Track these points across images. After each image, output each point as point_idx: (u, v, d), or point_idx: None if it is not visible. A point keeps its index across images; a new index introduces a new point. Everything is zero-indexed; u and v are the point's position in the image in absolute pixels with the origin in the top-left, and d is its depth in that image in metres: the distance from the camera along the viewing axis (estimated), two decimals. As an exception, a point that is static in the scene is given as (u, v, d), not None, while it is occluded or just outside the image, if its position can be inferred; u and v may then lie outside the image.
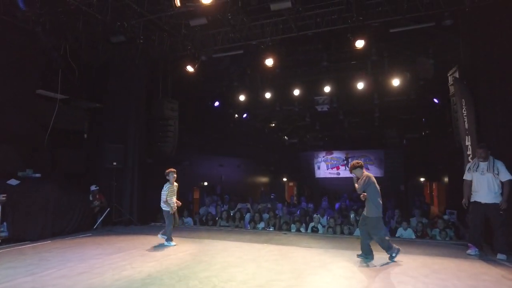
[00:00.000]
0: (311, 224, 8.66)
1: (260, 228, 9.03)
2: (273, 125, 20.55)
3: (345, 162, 21.11)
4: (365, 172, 5.35)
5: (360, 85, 10.47)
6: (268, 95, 11.76)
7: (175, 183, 6.70)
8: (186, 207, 12.69)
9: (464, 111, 6.02)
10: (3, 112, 7.49)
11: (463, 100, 6.06)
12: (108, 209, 8.61)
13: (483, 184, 5.40)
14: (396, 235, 7.66)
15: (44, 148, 8.31)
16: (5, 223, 6.65)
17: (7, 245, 6.40)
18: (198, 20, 6.30)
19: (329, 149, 21.62)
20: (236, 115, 16.92)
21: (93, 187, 8.84)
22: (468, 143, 5.97)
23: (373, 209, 5.10)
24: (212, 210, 10.93)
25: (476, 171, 5.49)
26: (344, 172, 21.01)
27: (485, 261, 5.18)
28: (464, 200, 5.70)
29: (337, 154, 21.37)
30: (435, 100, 13.34)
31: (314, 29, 6.87)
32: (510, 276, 4.48)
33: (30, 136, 8.20)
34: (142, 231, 8.16)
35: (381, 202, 5.15)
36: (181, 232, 8.12)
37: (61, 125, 8.81)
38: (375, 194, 5.14)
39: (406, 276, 4.48)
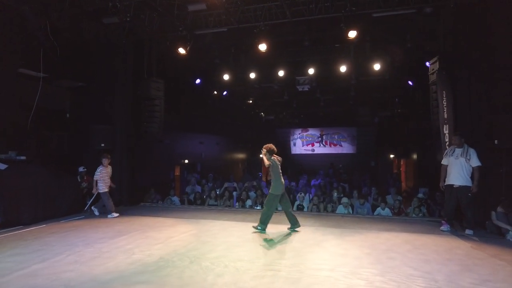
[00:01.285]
0: (297, 202, 9.19)
1: (247, 206, 9.47)
2: (251, 101, 20.73)
3: (320, 139, 21.89)
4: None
5: (343, 68, 10.82)
6: (252, 75, 11.83)
7: (109, 166, 7.95)
8: (169, 185, 12.91)
9: (444, 102, 6.58)
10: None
11: (444, 91, 6.61)
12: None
13: (456, 167, 6.06)
14: (375, 213, 8.35)
15: (27, 129, 8.08)
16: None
17: (2, 230, 6.38)
18: (197, 6, 6.24)
19: (304, 126, 22.20)
20: (215, 92, 16.93)
21: (81, 169, 8.80)
22: (446, 131, 6.58)
23: (273, 187, 6.22)
24: (198, 189, 11.18)
25: (452, 156, 6.14)
26: (319, 149, 21.85)
27: (457, 236, 5.94)
28: (441, 183, 6.36)
29: (313, 131, 22.06)
30: (410, 82, 14.06)
31: (307, 16, 7.03)
32: (477, 248, 5.23)
33: (11, 116, 7.93)
34: (134, 212, 8.33)
35: (282, 182, 6.27)
36: (173, 212, 8.39)
37: (43, 105, 8.55)
38: (276, 175, 6.20)
39: (393, 252, 5.07)
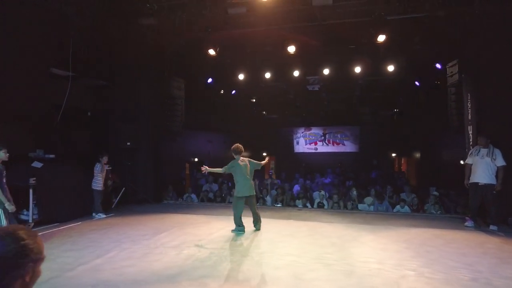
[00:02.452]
0: (317, 200, 9.47)
1: (268, 204, 9.71)
2: (254, 100, 20.94)
3: (323, 137, 22.19)
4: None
5: (357, 69, 11.11)
6: (267, 74, 12.04)
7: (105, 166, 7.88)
8: (181, 183, 13.08)
9: (469, 103, 6.92)
10: (15, 91, 7.24)
11: (468, 94, 6.94)
12: (124, 188, 8.77)
13: (481, 166, 6.40)
14: (394, 210, 8.68)
15: (55, 128, 8.17)
16: (35, 206, 6.67)
17: (42, 227, 6.49)
18: (237, 9, 6.42)
19: (307, 125, 22.47)
20: (222, 91, 17.13)
21: (106, 167, 8.90)
22: (470, 132, 6.92)
23: (236, 190, 6.22)
24: (215, 187, 11.37)
25: (477, 155, 6.47)
26: (321, 147, 22.16)
27: (482, 232, 6.28)
28: (465, 181, 6.69)
29: (315, 130, 22.33)
30: (416, 83, 14.45)
31: (336, 19, 7.28)
32: (507, 243, 5.56)
33: (40, 115, 8.00)
34: (161, 209, 8.49)
35: (239, 184, 6.14)
36: (198, 209, 8.58)
37: (67, 104, 8.63)
38: (236, 178, 6.17)
39: (428, 246, 5.37)
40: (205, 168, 6.31)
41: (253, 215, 6.33)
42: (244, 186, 6.10)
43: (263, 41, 10.48)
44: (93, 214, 7.59)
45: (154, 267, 4.52)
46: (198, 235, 6.04)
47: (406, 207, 8.68)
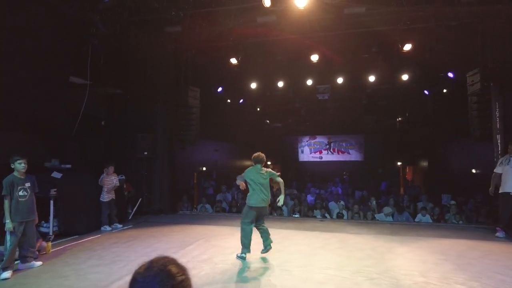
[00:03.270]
0: (336, 211, 9.32)
1: (285, 214, 9.53)
2: (258, 109, 20.90)
3: (328, 146, 22.15)
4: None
5: (372, 78, 11.11)
6: (280, 83, 11.99)
7: (114, 176, 7.59)
8: (190, 192, 12.86)
9: (497, 113, 6.87)
10: (32, 99, 7.07)
11: (496, 103, 6.91)
12: (140, 199, 8.56)
13: (512, 176, 6.32)
14: (416, 220, 8.56)
15: (70, 137, 7.98)
16: (56, 218, 6.45)
17: (62, 240, 6.27)
18: (266, 18, 6.35)
19: (312, 133, 22.43)
20: (229, 100, 17.07)
21: (120, 177, 8.70)
22: (499, 141, 6.86)
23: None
24: (228, 196, 11.18)
25: (508, 164, 6.40)
26: (327, 156, 22.10)
27: (515, 242, 6.17)
28: (491, 188, 6.60)
29: (320, 139, 22.29)
30: (426, 92, 14.49)
31: (360, 28, 7.25)
32: (545, 255, 5.45)
33: (56, 124, 7.83)
34: (179, 220, 8.28)
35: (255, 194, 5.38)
36: (217, 220, 8.37)
37: (82, 112, 8.47)
38: (252, 186, 5.40)
39: (466, 258, 5.23)
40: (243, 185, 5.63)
41: (262, 228, 5.54)
42: (259, 196, 5.41)
43: (277, 50, 10.45)
44: (101, 228, 7.23)
45: (194, 283, 4.32)
46: (227, 248, 5.85)
47: (428, 216, 8.56)
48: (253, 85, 12.36)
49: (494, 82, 7.11)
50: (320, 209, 9.40)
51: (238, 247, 5.88)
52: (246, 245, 5.20)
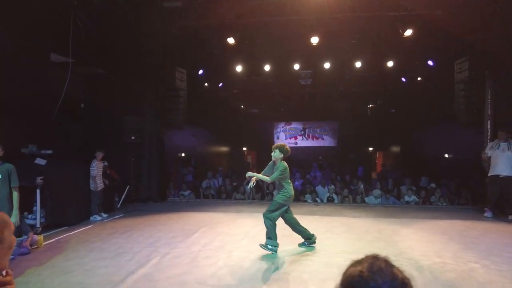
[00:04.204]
0: (326, 195, 9.42)
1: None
2: (234, 94, 20.53)
3: (303, 132, 22.37)
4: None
5: (358, 64, 11.20)
6: (267, 67, 11.75)
7: (102, 162, 7.16)
8: (169, 179, 12.43)
9: (489, 99, 7.18)
10: (8, 78, 6.32)
11: (489, 89, 7.20)
12: (128, 186, 8.08)
13: (502, 159, 6.68)
14: (405, 201, 8.88)
15: (50, 121, 7.28)
16: (42, 209, 5.88)
17: (52, 232, 5.75)
18: None
19: (287, 120, 22.52)
20: (206, 84, 16.56)
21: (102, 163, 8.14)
22: (489, 126, 7.20)
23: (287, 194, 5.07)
24: (215, 183, 10.92)
25: (497, 149, 6.74)
26: (302, 142, 22.34)
27: (504, 222, 6.56)
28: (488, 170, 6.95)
29: (295, 125, 22.45)
30: (403, 79, 14.93)
31: (360, 13, 7.19)
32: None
33: (33, 107, 7.08)
34: (171, 208, 7.94)
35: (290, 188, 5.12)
36: (211, 206, 8.15)
37: (60, 93, 7.75)
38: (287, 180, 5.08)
39: (469, 237, 5.48)
40: (251, 176, 5.05)
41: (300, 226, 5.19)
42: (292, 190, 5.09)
43: (266, 32, 10.15)
44: (90, 217, 6.79)
45: (216, 272, 4.12)
46: (235, 234, 5.68)
47: (414, 196, 8.93)
48: (239, 68, 11.97)
49: (483, 71, 7.39)
50: (311, 193, 9.45)
51: (246, 234, 5.77)
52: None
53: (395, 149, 20.24)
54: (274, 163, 5.01)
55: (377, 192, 9.06)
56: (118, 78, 8.46)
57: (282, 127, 22.59)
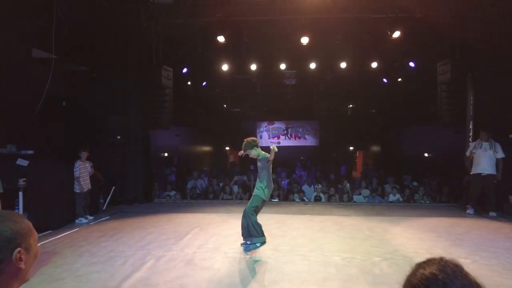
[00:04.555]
0: (314, 194, 9.49)
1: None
2: (217, 93, 20.36)
3: (285, 132, 22.48)
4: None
5: (343, 65, 11.34)
6: (253, 66, 11.70)
7: (88, 162, 6.91)
8: (159, 181, 12.17)
9: (472, 100, 7.44)
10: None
11: (471, 91, 7.46)
12: (113, 187, 7.83)
13: (484, 158, 6.94)
14: (390, 200, 9.08)
15: (33, 120, 6.95)
16: (25, 212, 5.59)
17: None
18: None
19: (270, 119, 22.58)
20: (189, 82, 16.34)
21: (87, 164, 7.85)
22: (471, 127, 7.46)
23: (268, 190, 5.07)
24: (201, 183, 10.78)
25: (480, 149, 7.00)
26: (284, 141, 22.42)
27: (486, 218, 6.82)
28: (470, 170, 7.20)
29: (278, 124, 22.52)
30: (384, 80, 15.27)
31: (352, 14, 7.27)
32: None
33: (14, 104, 6.73)
34: (158, 209, 7.77)
35: (271, 184, 5.13)
36: (199, 207, 8.02)
37: (43, 92, 7.41)
38: (269, 175, 5.07)
39: (455, 234, 5.66)
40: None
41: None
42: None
43: (254, 32, 10.12)
44: (76, 220, 6.52)
45: (214, 275, 4.06)
46: (229, 235, 5.61)
47: (398, 195, 9.15)
48: (225, 67, 11.86)
49: (464, 73, 7.66)
50: (298, 192, 9.50)
51: (239, 234, 5.65)
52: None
53: (375, 148, 20.71)
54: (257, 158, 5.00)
55: (366, 192, 9.23)
56: (102, 75, 8.18)
57: (265, 126, 22.61)
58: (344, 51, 11.66)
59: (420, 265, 1.05)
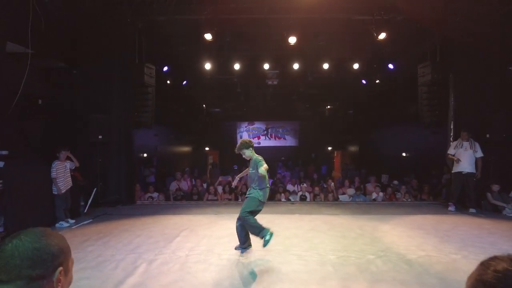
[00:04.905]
0: (300, 193, 9.52)
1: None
2: (195, 93, 20.08)
3: (265, 132, 22.52)
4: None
5: (325, 66, 11.47)
6: (237, 66, 11.61)
7: (68, 162, 6.63)
8: (139, 182, 11.81)
9: (452, 101, 7.71)
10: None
11: (453, 93, 7.73)
12: (95, 189, 7.50)
13: (465, 157, 7.21)
14: (373, 198, 9.26)
15: (8, 118, 6.52)
16: (1, 217, 5.23)
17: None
18: None
19: (250, 119, 22.55)
20: (168, 81, 16.03)
21: (67, 164, 7.48)
22: (452, 127, 7.74)
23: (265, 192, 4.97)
24: (184, 184, 10.55)
25: (461, 148, 7.27)
26: (264, 142, 22.47)
27: (467, 215, 7.08)
28: (452, 170, 7.45)
29: (258, 125, 22.53)
30: (363, 82, 15.60)
31: (337, 14, 7.34)
32: (495, 223, 6.34)
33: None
34: (142, 211, 7.52)
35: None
36: (184, 208, 7.84)
37: (16, 88, 6.99)
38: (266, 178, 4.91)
39: (442, 231, 5.81)
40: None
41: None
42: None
43: (238, 31, 10.02)
44: (56, 224, 6.18)
45: (211, 278, 3.94)
46: (220, 237, 5.50)
47: (381, 194, 9.36)
48: (208, 66, 11.69)
49: (445, 75, 7.93)
50: (284, 192, 9.50)
51: (231, 236, 5.58)
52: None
53: (353, 148, 21.12)
54: (250, 160, 4.86)
55: (351, 191, 9.36)
56: (82, 72, 7.82)
57: (245, 126, 22.55)
58: (327, 52, 11.80)
59: (488, 264, 1.02)
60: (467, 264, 4.30)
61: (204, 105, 22.31)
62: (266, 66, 11.74)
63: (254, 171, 4.85)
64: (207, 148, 22.72)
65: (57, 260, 1.08)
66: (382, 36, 7.48)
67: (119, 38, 7.86)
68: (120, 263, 4.36)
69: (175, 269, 4.19)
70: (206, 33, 7.25)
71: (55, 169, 6.34)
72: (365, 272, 4.07)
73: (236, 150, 4.99)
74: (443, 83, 8.39)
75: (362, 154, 18.91)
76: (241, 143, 4.93)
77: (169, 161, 17.53)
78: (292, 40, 7.78)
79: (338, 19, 8.18)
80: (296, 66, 11.66)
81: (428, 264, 4.30)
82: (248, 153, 4.88)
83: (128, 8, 7.26)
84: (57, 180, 6.30)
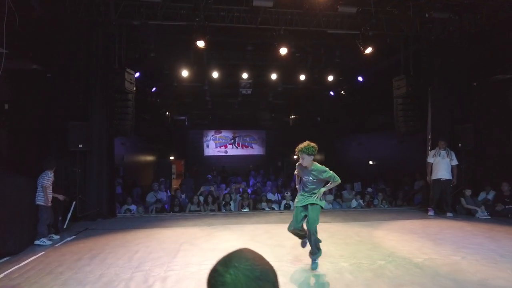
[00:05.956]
0: (284, 202, 9.55)
1: (234, 210, 9.25)
2: (159, 100, 19.50)
3: (233, 141, 22.41)
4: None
5: (302, 77, 11.75)
6: (215, 74, 11.46)
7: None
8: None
9: (430, 113, 8.28)
10: None
11: (430, 104, 8.30)
12: (74, 202, 6.90)
13: (442, 165, 7.75)
14: (353, 206, 9.57)
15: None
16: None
17: (-4, 266, 4.52)
18: (263, 2, 5.82)
19: (217, 128, 22.33)
20: (135, 88, 15.41)
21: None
22: (429, 136, 8.29)
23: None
24: (162, 195, 10.08)
25: (439, 156, 7.80)
26: (231, 150, 22.36)
27: (445, 218, 7.57)
28: (428, 177, 7.94)
29: (225, 133, 22.37)
30: (331, 93, 16.22)
31: (324, 28, 7.58)
32: (474, 226, 6.84)
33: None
34: (127, 225, 7.04)
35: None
36: (171, 221, 7.51)
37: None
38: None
39: (433, 235, 6.15)
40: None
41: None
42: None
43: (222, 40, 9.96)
44: (36, 241, 5.56)
45: None
46: (224, 250, 5.23)
47: (360, 200, 9.72)
48: (185, 73, 11.42)
49: (418, 88, 8.53)
50: (266, 201, 9.48)
51: (234, 247, 5.43)
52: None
53: (319, 157, 21.73)
54: (306, 167, 4.53)
55: (330, 197, 9.58)
56: (58, 76, 7.23)
57: (212, 135, 22.28)
58: (303, 64, 12.15)
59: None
60: (468, 264, 4.59)
61: (167, 113, 21.71)
62: (245, 76, 11.72)
63: (315, 180, 4.63)
64: (172, 158, 22.02)
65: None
66: (369, 50, 7.86)
67: (98, 41, 7.40)
68: (130, 282, 4.03)
69: (192, 285, 3.97)
70: (198, 40, 7.07)
71: (49, 178, 5.86)
72: (383, 277, 4.17)
73: (297, 151, 4.61)
74: (417, 95, 8.99)
75: (327, 162, 19.46)
76: (305, 146, 4.51)
77: (135, 171, 16.73)
78: (283, 51, 7.87)
79: (325, 33, 8.42)
80: (274, 76, 11.78)
81: (435, 266, 4.51)
82: (308, 161, 4.51)
83: (113, 10, 6.86)
84: (48, 190, 5.77)
